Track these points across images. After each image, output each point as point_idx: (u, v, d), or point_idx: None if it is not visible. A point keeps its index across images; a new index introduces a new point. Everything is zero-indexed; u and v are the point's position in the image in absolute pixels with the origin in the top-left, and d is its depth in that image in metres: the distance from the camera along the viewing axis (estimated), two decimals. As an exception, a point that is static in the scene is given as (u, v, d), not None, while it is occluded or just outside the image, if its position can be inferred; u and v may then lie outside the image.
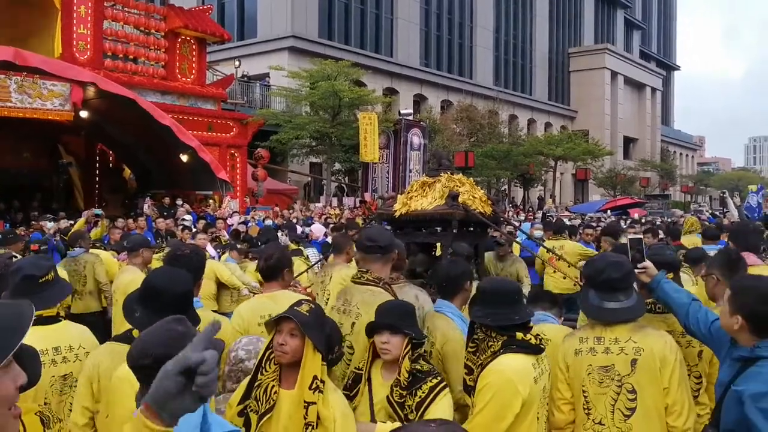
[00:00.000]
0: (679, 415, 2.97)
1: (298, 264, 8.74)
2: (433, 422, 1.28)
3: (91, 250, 8.26)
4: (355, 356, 3.53)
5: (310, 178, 32.95)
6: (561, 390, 3.18)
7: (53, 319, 3.27)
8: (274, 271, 3.93)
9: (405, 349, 2.99)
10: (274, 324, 2.73)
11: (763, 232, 4.71)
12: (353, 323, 3.57)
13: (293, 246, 9.84)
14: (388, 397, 2.96)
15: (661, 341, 3.04)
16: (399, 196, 5.99)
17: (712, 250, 9.21)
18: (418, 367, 3.01)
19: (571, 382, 3.16)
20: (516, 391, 2.81)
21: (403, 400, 2.92)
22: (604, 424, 3.05)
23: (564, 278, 8.58)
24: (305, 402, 2.60)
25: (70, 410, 3.06)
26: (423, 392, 2.93)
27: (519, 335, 2.93)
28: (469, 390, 3.05)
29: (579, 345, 3.15)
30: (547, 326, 3.58)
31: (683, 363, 3.07)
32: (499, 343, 2.93)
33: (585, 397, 3.11)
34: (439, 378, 3.03)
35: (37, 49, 16.57)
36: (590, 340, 3.12)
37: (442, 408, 2.91)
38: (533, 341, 2.96)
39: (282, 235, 10.92)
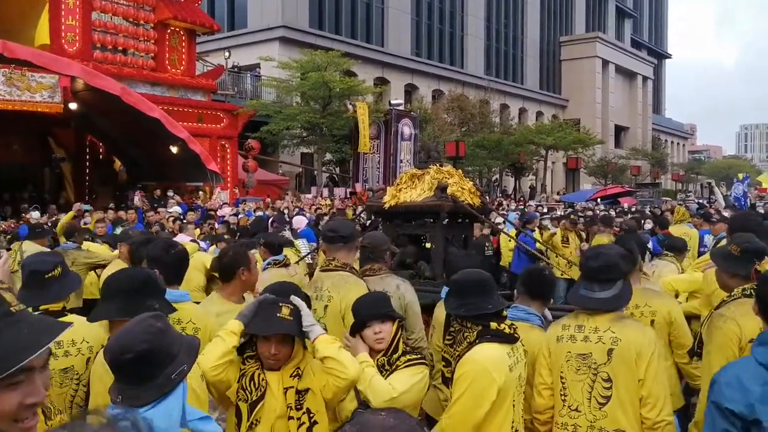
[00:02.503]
0: (653, 407, 3.00)
1: (289, 255, 8.79)
2: (383, 411, 1.30)
3: (84, 246, 8.16)
4: None
5: (301, 169, 32.91)
6: (543, 375, 3.27)
7: (59, 314, 3.27)
8: (229, 270, 3.88)
9: (397, 333, 3.11)
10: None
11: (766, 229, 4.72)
12: (326, 306, 3.76)
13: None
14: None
15: (639, 333, 3.08)
16: (388, 188, 6.03)
17: (706, 234, 9.32)
18: (404, 347, 3.15)
19: (552, 368, 3.25)
20: (492, 379, 2.88)
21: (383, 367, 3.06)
22: (580, 411, 3.12)
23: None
24: (284, 388, 2.78)
25: (72, 402, 3.15)
26: (400, 363, 3.05)
27: (493, 325, 3.00)
28: (448, 381, 3.15)
29: (561, 332, 3.23)
30: (530, 334, 3.47)
31: (661, 356, 3.11)
32: (474, 333, 3.00)
33: (563, 383, 3.18)
34: (418, 356, 3.15)
35: (21, 40, 16.46)
36: (572, 328, 3.20)
37: (403, 376, 2.99)
38: (507, 330, 3.03)
39: (285, 230, 10.92)
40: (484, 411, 2.89)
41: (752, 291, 3.38)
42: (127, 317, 2.34)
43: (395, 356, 3.07)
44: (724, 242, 6.88)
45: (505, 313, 3.18)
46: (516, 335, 3.08)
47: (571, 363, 3.15)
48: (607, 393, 3.06)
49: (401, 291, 4.08)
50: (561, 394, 3.18)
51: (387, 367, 3.04)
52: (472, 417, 2.90)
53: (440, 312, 3.87)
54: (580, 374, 3.12)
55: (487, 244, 10.71)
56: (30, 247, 7.75)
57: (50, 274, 3.26)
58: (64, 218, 10.70)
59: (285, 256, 6.24)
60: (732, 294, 3.50)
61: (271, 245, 6.39)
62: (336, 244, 3.97)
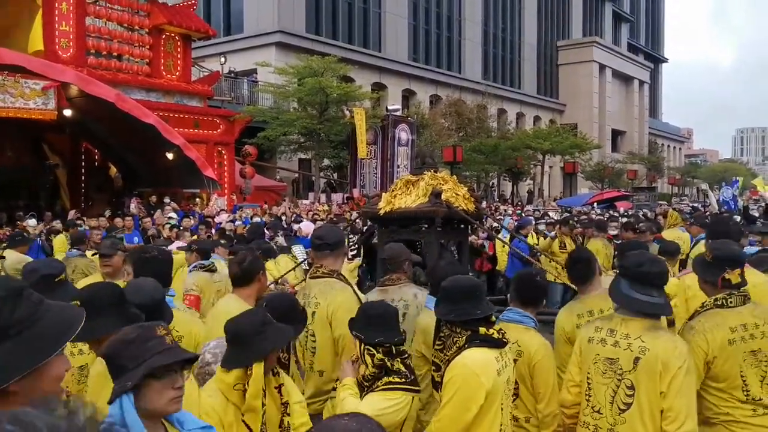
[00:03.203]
0: (673, 421, 2.97)
1: (286, 262, 8.73)
2: (346, 416, 1.30)
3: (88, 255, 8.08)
4: (317, 343, 3.80)
5: (297, 174, 32.91)
6: (572, 372, 3.37)
7: None
8: (249, 274, 3.95)
9: (360, 347, 3.13)
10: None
11: (741, 231, 4.79)
12: (313, 312, 3.82)
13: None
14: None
15: (671, 346, 3.04)
16: (383, 194, 6.01)
17: (702, 240, 9.27)
18: (389, 365, 3.09)
19: (581, 367, 3.32)
20: (480, 383, 2.94)
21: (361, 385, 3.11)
22: (601, 413, 3.17)
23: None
24: (275, 386, 2.83)
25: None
26: (380, 384, 3.06)
27: (482, 330, 3.07)
28: (438, 385, 3.21)
29: (593, 333, 3.29)
30: (525, 335, 3.56)
31: (690, 371, 3.05)
32: (463, 338, 3.07)
33: (588, 383, 3.25)
34: (401, 378, 3.09)
35: (15, 45, 16.41)
36: (603, 331, 3.24)
37: (373, 399, 3.01)
38: (496, 335, 3.10)
39: (279, 236, 10.89)
40: (472, 414, 2.95)
41: (724, 301, 3.43)
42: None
43: (367, 372, 3.08)
44: (702, 245, 6.96)
45: (493, 318, 3.26)
46: (505, 340, 3.14)
47: (598, 365, 3.20)
48: (628, 400, 3.08)
49: (419, 299, 4.15)
50: (586, 394, 3.25)
51: (365, 384, 3.09)
52: (461, 420, 2.97)
53: (424, 319, 3.88)
54: (605, 378, 3.17)
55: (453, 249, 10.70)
56: (11, 255, 7.70)
57: (59, 278, 3.48)
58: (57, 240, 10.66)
59: (212, 262, 6.48)
60: (704, 303, 3.53)
61: (202, 251, 6.90)
62: (323, 251, 4.06)
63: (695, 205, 26.53)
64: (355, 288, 4.17)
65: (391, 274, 4.31)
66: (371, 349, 3.08)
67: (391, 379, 3.04)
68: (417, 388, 3.14)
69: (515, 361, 3.41)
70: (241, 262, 3.96)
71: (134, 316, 2.75)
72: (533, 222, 12.33)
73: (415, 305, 4.06)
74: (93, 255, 7.92)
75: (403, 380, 3.07)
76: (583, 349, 3.31)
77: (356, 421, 1.21)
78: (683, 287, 4.63)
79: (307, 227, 12.10)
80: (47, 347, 1.64)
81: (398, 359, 3.12)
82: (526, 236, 10.38)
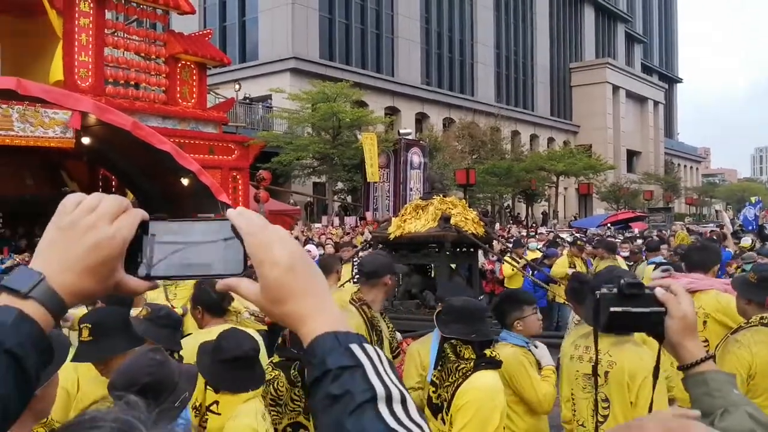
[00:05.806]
0: None
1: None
2: None
3: None
4: None
5: (310, 198, 33.07)
6: (564, 390, 3.58)
7: None
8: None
9: None
10: None
11: (715, 252, 4.88)
12: None
13: None
14: None
15: (636, 358, 3.19)
16: (393, 219, 6.09)
17: (653, 262, 9.13)
18: None
19: (567, 383, 3.52)
20: (495, 405, 3.00)
21: None
22: (585, 426, 3.36)
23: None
24: None
25: None
26: None
27: (488, 352, 3.14)
28: (431, 404, 3.18)
29: (573, 351, 3.50)
30: (505, 350, 3.59)
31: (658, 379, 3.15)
32: (471, 363, 3.08)
33: (573, 399, 3.44)
34: None
35: (36, 76, 16.71)
36: (581, 348, 3.45)
37: None
38: (497, 357, 3.19)
39: None
40: None
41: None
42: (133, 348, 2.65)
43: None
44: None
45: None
46: (501, 360, 3.22)
47: (579, 381, 3.39)
48: (605, 412, 3.25)
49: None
50: (573, 409, 3.45)
51: None
52: None
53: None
54: (585, 393, 3.35)
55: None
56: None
57: None
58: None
59: None
60: (749, 321, 3.57)
61: None
62: (360, 278, 4.14)
63: (711, 225, 26.33)
64: (373, 320, 3.93)
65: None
66: None
67: None
68: None
69: None
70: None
71: (139, 338, 2.83)
72: (558, 253, 12.25)
73: None
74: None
75: None
76: (566, 366, 3.53)
77: None
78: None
79: (311, 250, 12.26)
80: (61, 355, 1.81)
81: None
82: (550, 267, 10.30)
